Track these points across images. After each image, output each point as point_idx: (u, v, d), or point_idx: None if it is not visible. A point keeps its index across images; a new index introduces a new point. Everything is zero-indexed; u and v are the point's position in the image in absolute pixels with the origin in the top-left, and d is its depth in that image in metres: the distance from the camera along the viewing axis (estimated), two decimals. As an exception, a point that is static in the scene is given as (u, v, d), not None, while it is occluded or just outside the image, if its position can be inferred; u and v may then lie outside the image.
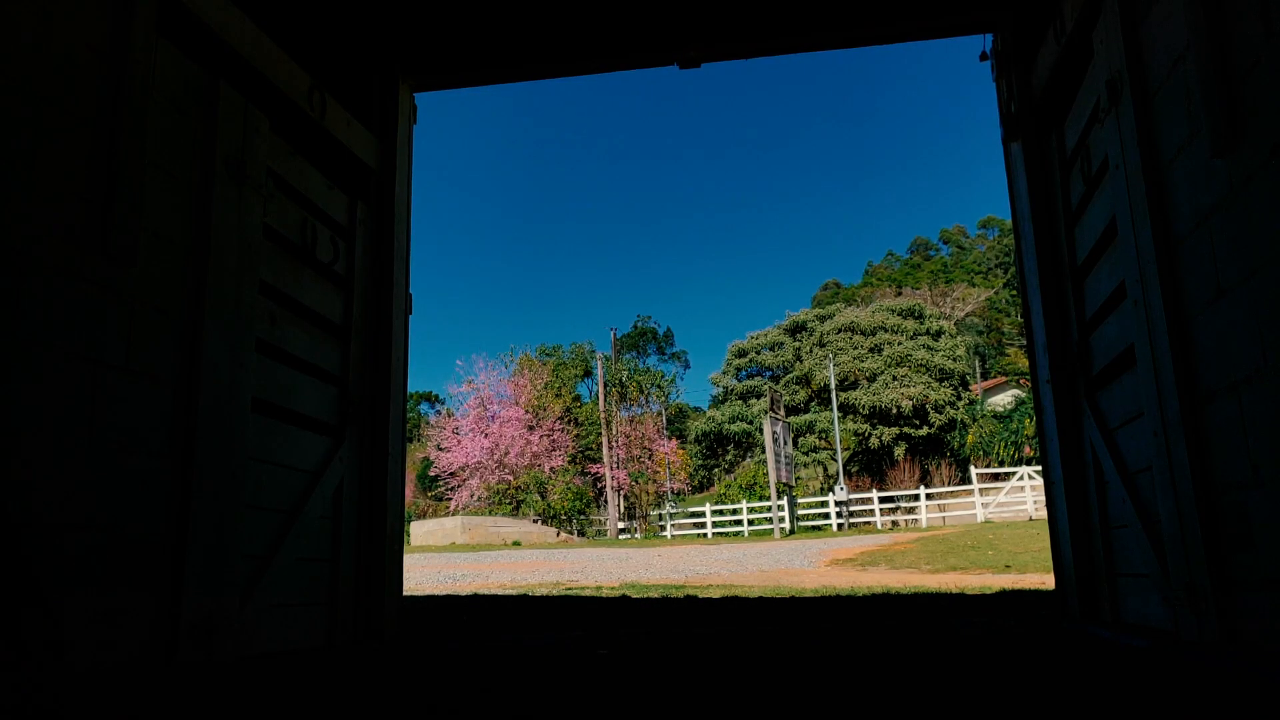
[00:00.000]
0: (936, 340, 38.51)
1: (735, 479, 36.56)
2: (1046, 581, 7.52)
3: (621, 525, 34.67)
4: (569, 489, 35.70)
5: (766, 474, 29.08)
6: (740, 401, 42.26)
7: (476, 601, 6.44)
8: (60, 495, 2.46)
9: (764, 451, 30.97)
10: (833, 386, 35.25)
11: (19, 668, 2.29)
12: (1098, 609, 3.77)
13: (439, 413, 45.87)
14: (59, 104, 2.54)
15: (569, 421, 40.49)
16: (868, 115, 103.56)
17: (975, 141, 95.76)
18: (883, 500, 29.91)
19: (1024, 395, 36.97)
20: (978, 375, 46.24)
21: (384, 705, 2.53)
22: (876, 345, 38.25)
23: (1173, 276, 2.91)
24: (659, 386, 42.57)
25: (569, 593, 8.38)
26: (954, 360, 37.45)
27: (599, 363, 40.79)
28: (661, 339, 54.87)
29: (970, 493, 28.27)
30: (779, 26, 4.78)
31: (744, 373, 44.70)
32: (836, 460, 33.43)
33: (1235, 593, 2.61)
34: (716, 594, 7.54)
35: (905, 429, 35.53)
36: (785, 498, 27.75)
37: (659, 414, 41.02)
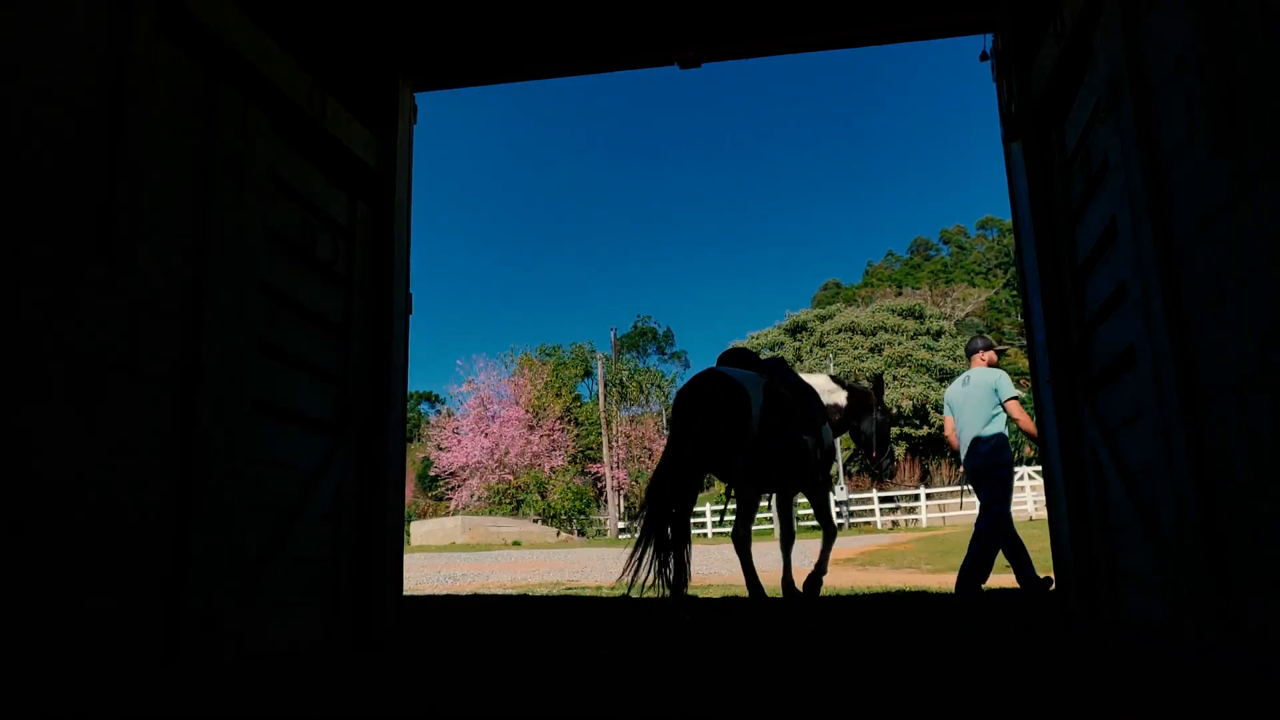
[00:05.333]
0: (937, 340, 38.49)
1: (735, 479, 36.47)
2: (1046, 581, 7.50)
3: (622, 525, 34.62)
4: (569, 489, 35.70)
5: (767, 474, 28.98)
6: (740, 401, 42.18)
7: (476, 602, 6.44)
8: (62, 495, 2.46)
9: (764, 451, 30.89)
10: (833, 387, 35.23)
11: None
12: (1098, 609, 3.77)
13: (439, 413, 45.85)
14: (59, 103, 2.54)
15: (569, 421, 40.50)
16: (868, 115, 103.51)
17: (975, 141, 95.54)
18: (883, 500, 29.89)
19: (1024, 395, 36.92)
20: (978, 375, 46.14)
21: (383, 705, 2.53)
22: (877, 345, 38.23)
23: (1173, 277, 2.90)
24: (659, 386, 42.55)
25: (569, 592, 8.38)
26: (954, 360, 37.40)
27: (599, 362, 40.77)
28: (661, 339, 54.68)
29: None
30: (779, 26, 4.78)
31: (744, 373, 44.63)
32: (837, 460, 33.44)
33: (1235, 593, 2.61)
34: (716, 594, 7.55)
35: (905, 429, 35.48)
36: (785, 498, 27.68)
37: (659, 414, 40.98)
